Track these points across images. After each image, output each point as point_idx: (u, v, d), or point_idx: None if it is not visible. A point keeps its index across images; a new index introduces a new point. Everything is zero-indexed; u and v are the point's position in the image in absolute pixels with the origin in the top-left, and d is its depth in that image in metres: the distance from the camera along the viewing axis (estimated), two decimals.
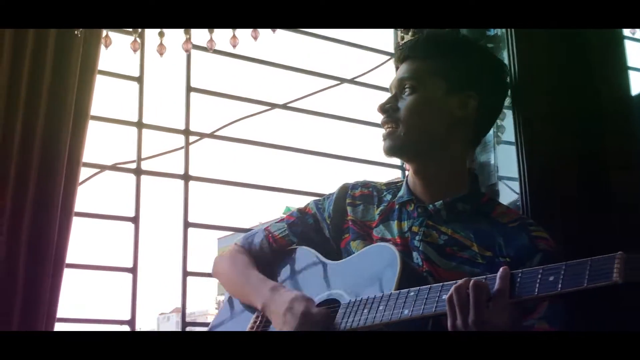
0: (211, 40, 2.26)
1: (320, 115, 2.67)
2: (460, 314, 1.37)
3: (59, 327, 1.84)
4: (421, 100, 1.75)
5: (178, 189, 2.32)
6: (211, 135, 2.47)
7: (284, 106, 2.67)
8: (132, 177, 2.28)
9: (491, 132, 2.10)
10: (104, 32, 2.05)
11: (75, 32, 1.76)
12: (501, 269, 1.38)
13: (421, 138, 1.75)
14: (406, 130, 1.74)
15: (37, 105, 1.81)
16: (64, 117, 1.81)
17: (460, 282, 1.39)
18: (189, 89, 2.44)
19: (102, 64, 2.11)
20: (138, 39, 2.17)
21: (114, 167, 2.29)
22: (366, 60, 2.75)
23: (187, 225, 2.32)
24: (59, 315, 1.84)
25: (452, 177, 1.78)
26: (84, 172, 2.09)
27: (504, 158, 2.22)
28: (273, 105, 2.65)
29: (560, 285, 1.27)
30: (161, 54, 2.20)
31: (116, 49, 2.19)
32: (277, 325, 1.69)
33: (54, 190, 1.81)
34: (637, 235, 2.05)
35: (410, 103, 1.75)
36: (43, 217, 1.78)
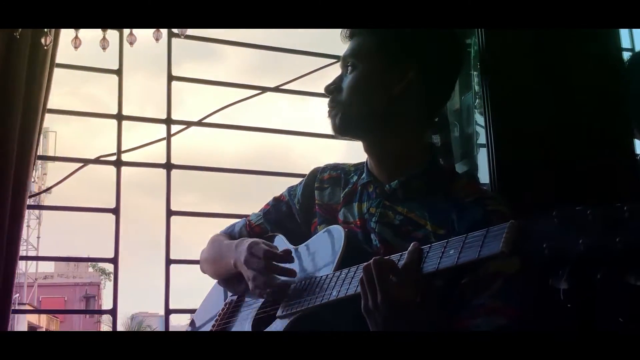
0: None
1: (309, 95, 2.65)
2: (369, 294, 1.34)
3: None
4: (359, 77, 1.69)
5: (160, 177, 2.34)
6: (195, 124, 2.48)
7: (276, 89, 2.66)
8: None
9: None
10: (74, 32, 2.06)
11: (15, 33, 1.76)
12: (412, 244, 1.35)
13: (361, 115, 1.70)
14: (345, 109, 1.70)
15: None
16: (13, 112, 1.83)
17: (370, 262, 1.37)
18: (170, 78, 2.45)
19: (81, 59, 2.15)
20: (107, 38, 2.16)
21: (96, 161, 2.32)
22: None
23: (170, 213, 2.34)
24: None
25: (406, 154, 1.71)
26: (68, 167, 2.13)
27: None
28: (263, 89, 2.64)
29: (457, 258, 1.23)
30: (131, 44, 2.20)
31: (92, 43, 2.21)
32: (246, 275, 1.73)
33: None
34: None
35: (349, 81, 1.70)
36: None
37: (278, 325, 1.59)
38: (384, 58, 1.68)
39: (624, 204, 0.97)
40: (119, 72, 2.40)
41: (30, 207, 2.06)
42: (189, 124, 2.46)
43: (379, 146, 1.72)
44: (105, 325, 18.77)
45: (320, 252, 1.67)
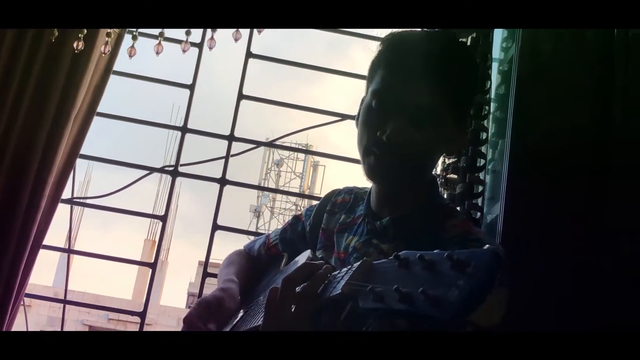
0: (213, 38, 2.27)
1: None
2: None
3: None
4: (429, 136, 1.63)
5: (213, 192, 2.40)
6: (256, 143, 2.52)
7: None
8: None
9: None
10: (131, 41, 2.18)
11: (51, 36, 1.90)
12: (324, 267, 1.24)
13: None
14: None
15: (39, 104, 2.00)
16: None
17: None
18: (240, 96, 2.51)
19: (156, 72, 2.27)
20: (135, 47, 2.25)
21: (156, 169, 2.43)
22: None
23: (215, 227, 2.39)
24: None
25: (407, 190, 1.63)
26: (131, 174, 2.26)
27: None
28: (342, 116, 2.63)
29: (332, 291, 1.13)
30: (210, 48, 2.28)
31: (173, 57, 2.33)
32: None
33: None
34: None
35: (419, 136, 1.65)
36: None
37: None
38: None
39: (453, 253, 0.87)
40: (191, 87, 2.49)
41: (64, 201, 2.20)
42: (250, 142, 2.50)
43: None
44: None
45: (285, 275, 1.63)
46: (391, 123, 1.46)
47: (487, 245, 0.89)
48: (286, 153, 17.59)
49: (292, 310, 1.22)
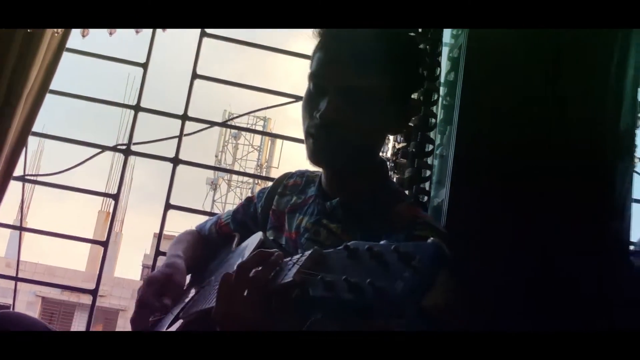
0: None
1: None
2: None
3: None
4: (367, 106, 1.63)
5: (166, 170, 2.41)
6: (210, 123, 2.53)
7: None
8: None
9: None
10: None
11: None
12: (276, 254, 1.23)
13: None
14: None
15: None
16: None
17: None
18: (194, 76, 2.51)
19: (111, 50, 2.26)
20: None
21: (108, 148, 2.43)
22: None
23: (168, 207, 2.40)
24: None
25: (356, 171, 1.66)
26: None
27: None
28: (296, 98, 2.65)
29: (284, 278, 1.16)
30: (111, 34, 2.29)
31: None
32: None
33: None
34: None
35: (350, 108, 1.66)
36: None
37: (177, 325, 1.60)
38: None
39: (400, 245, 0.91)
40: (145, 65, 2.49)
41: (15, 178, 2.19)
42: (204, 122, 2.51)
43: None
44: None
45: (235, 258, 1.66)
46: (325, 101, 1.50)
47: (431, 239, 0.93)
48: (244, 125, 17.48)
49: (244, 295, 1.25)
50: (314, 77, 1.55)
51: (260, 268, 1.24)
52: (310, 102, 1.55)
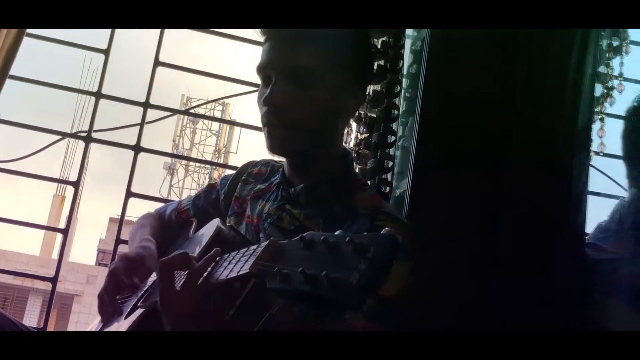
0: None
1: None
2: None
3: None
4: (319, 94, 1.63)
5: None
6: (172, 111, 2.52)
7: None
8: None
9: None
10: None
11: None
12: (214, 250, 1.26)
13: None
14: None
15: None
16: None
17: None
18: (157, 63, 2.50)
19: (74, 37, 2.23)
20: None
21: (67, 134, 2.41)
22: None
23: (129, 194, 2.39)
24: None
25: (319, 159, 1.68)
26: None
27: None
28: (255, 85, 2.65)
29: (230, 272, 1.15)
30: None
31: None
32: None
33: None
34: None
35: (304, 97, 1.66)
36: None
37: (137, 314, 1.60)
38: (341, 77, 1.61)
39: (354, 237, 0.92)
40: (106, 52, 2.46)
41: None
42: (166, 109, 2.50)
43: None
44: None
45: (191, 245, 1.66)
46: (270, 86, 1.53)
47: (386, 229, 0.95)
48: (202, 110, 17.35)
49: (179, 289, 1.25)
50: (260, 69, 1.59)
51: (199, 264, 1.25)
52: (261, 92, 1.59)
